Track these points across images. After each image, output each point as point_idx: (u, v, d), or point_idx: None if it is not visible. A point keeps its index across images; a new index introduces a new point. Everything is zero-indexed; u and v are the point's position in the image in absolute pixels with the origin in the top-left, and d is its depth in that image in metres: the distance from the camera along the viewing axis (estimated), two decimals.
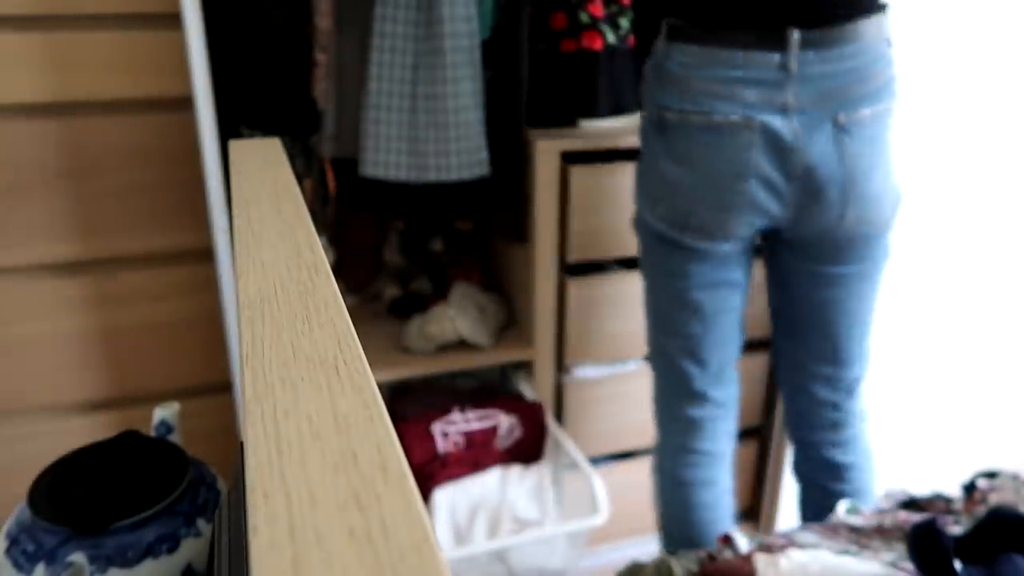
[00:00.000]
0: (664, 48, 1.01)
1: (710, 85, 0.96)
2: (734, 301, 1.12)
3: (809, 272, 1.10)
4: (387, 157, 1.26)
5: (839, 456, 1.20)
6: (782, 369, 1.22)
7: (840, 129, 0.96)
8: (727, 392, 1.19)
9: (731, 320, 1.13)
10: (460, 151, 1.26)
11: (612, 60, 1.34)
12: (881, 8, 0.97)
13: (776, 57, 0.94)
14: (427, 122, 1.24)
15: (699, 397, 1.18)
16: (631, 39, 1.34)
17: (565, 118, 1.39)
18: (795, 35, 0.93)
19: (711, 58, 0.96)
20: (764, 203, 1.00)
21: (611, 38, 1.33)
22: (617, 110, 1.37)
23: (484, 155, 1.29)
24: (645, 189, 1.08)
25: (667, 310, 1.14)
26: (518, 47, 1.29)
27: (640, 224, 1.13)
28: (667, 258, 1.10)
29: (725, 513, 1.25)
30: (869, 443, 1.22)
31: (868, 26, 0.95)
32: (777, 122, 0.95)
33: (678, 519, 1.25)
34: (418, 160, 1.26)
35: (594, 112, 1.36)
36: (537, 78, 1.36)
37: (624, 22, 1.33)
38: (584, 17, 1.31)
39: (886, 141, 1.00)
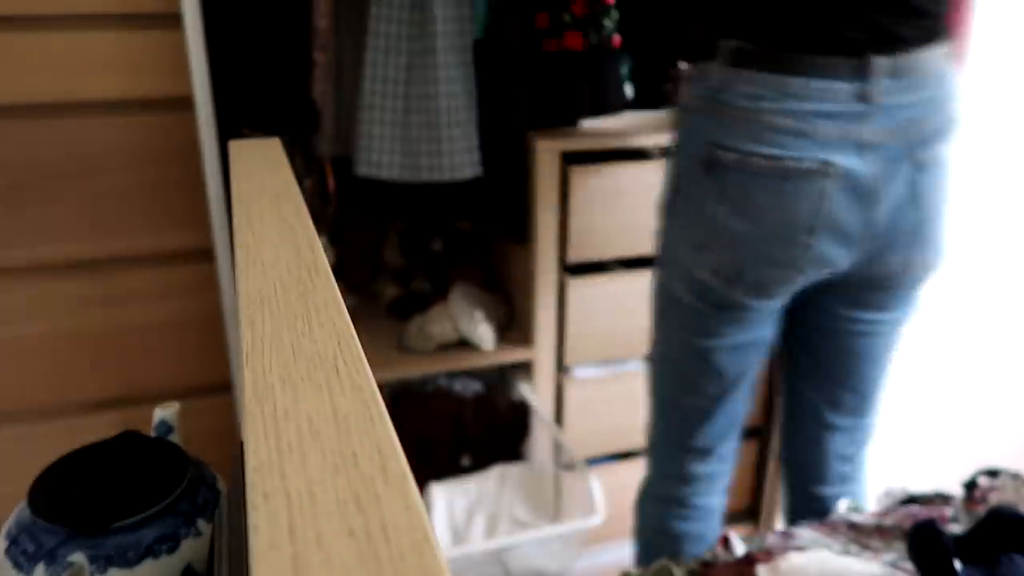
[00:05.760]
0: (722, 76, 0.88)
1: (781, 120, 0.84)
2: (758, 360, 1.02)
3: (848, 318, 1.00)
4: (380, 157, 1.26)
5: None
6: (794, 418, 1.14)
7: (916, 168, 0.87)
8: (731, 446, 1.10)
9: (751, 378, 1.04)
10: (452, 151, 1.26)
11: (594, 60, 1.33)
12: (949, 36, 0.89)
13: (856, 86, 0.83)
14: (420, 122, 1.24)
15: (705, 452, 1.09)
16: (615, 39, 1.33)
17: (549, 119, 1.36)
18: (879, 61, 0.83)
19: (784, 88, 0.84)
20: (833, 257, 0.90)
21: (593, 38, 1.32)
22: (599, 110, 1.35)
23: (476, 155, 1.29)
24: (687, 233, 0.95)
25: (686, 367, 1.02)
26: (511, 47, 1.29)
27: (671, 270, 0.99)
28: (698, 314, 0.97)
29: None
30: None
31: (942, 54, 0.87)
32: (855, 163, 0.85)
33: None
34: (411, 160, 1.26)
35: (577, 112, 1.35)
36: (524, 77, 1.35)
37: (607, 22, 1.32)
38: (566, 17, 1.30)
39: (950, 180, 0.92)
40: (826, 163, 0.84)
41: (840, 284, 0.97)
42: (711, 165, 0.89)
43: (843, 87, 0.83)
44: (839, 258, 0.90)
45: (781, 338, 1.12)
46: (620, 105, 1.37)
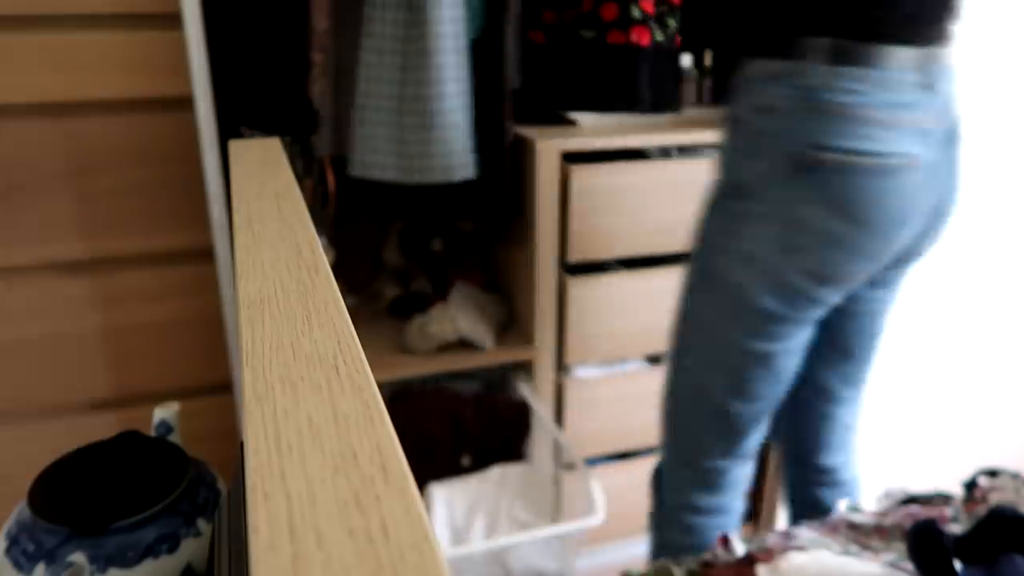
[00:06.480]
0: (823, 74, 0.85)
1: (877, 114, 0.85)
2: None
3: (864, 298, 1.06)
4: (374, 158, 1.26)
5: (854, 473, 1.22)
6: (800, 396, 1.17)
7: (954, 148, 0.93)
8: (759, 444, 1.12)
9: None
10: (444, 153, 1.26)
11: (657, 58, 1.34)
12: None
13: (920, 76, 0.87)
14: (413, 123, 1.25)
15: (748, 457, 1.09)
16: (677, 39, 1.34)
17: (606, 106, 1.39)
18: (937, 51, 0.87)
19: (880, 82, 0.85)
20: (907, 242, 0.94)
21: (659, 36, 1.33)
22: (656, 107, 1.36)
23: (470, 157, 1.29)
24: (769, 237, 0.91)
25: (740, 373, 1.00)
26: (503, 48, 1.29)
27: (748, 273, 0.95)
28: (774, 318, 0.95)
29: None
30: None
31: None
32: (923, 151, 0.88)
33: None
34: (404, 161, 1.26)
35: (635, 107, 1.35)
36: (582, 65, 1.36)
37: (672, 21, 1.33)
38: (635, 12, 1.30)
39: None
40: (913, 156, 0.87)
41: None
42: (806, 167, 0.87)
43: (911, 78, 0.86)
44: (907, 242, 0.95)
45: None
46: (675, 105, 1.38)
